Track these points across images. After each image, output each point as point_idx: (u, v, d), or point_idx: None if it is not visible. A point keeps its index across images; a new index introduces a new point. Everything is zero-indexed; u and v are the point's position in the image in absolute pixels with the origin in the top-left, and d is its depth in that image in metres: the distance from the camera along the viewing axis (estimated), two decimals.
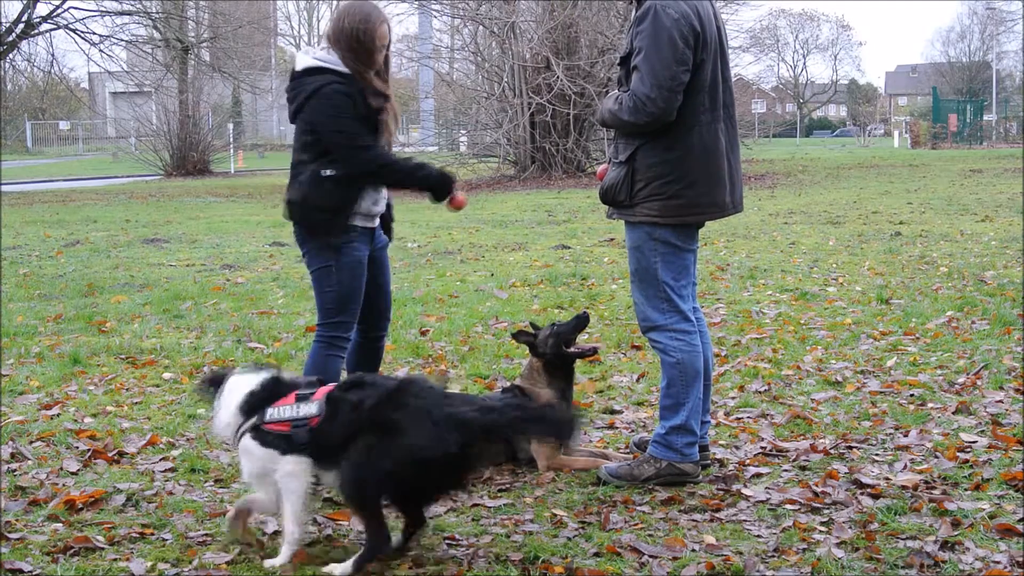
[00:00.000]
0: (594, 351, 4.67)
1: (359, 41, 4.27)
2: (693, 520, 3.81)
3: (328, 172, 4.25)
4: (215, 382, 3.78)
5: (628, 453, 4.56)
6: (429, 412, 3.37)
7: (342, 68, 4.28)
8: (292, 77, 4.38)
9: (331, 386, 3.64)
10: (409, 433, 3.33)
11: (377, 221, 4.49)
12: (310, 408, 3.53)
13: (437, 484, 3.49)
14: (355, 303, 4.40)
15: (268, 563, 3.48)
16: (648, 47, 3.93)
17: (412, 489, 3.46)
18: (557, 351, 4.45)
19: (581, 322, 4.54)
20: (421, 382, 3.57)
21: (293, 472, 3.51)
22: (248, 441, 3.57)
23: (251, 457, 3.58)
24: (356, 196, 4.30)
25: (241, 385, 3.69)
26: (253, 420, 3.58)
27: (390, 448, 3.34)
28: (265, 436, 3.54)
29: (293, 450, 3.51)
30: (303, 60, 4.36)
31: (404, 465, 3.33)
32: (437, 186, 4.38)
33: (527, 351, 4.64)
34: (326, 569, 3.40)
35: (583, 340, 5.02)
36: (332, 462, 3.47)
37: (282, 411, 3.56)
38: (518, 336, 4.62)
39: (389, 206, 4.62)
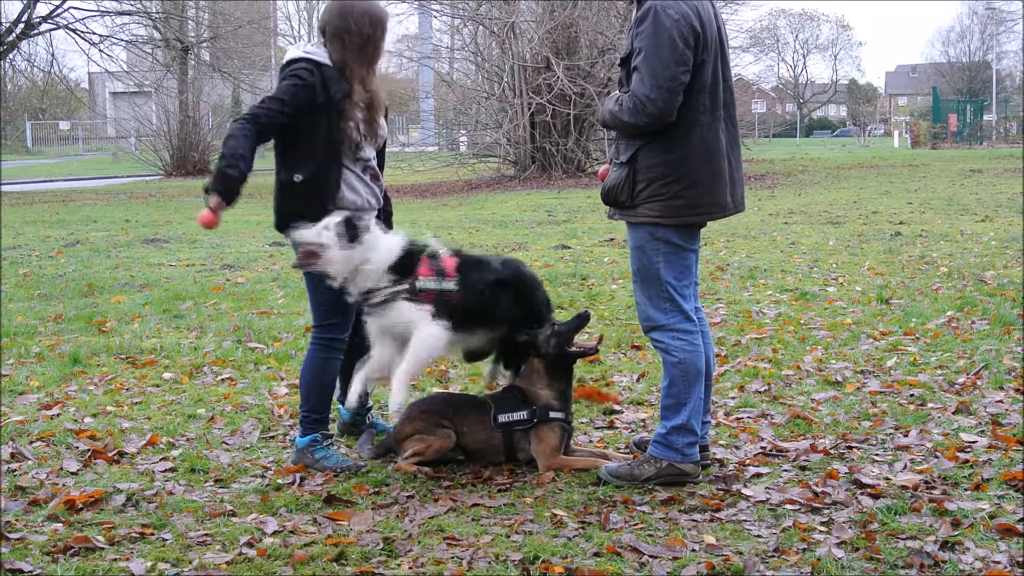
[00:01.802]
0: (595, 350, 4.67)
1: (367, 38, 4.27)
2: (693, 520, 3.81)
3: (298, 178, 4.24)
4: (353, 229, 4.13)
5: (628, 453, 4.56)
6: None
7: (322, 59, 4.26)
8: (280, 69, 4.39)
9: (455, 261, 4.23)
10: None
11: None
12: (451, 285, 4.17)
13: None
14: (350, 304, 4.40)
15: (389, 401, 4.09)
16: (648, 47, 3.93)
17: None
18: (558, 351, 4.45)
19: (582, 321, 4.54)
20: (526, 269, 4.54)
21: (428, 340, 4.10)
22: (406, 302, 4.12)
23: (399, 315, 4.12)
24: (328, 197, 4.28)
25: (389, 246, 4.20)
26: (407, 284, 4.14)
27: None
28: (419, 299, 4.11)
29: (441, 314, 4.12)
30: (291, 53, 4.36)
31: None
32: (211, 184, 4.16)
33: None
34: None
35: (583, 340, 5.01)
36: (467, 329, 4.22)
37: (430, 283, 4.16)
38: (517, 337, 4.61)
39: (387, 199, 4.63)
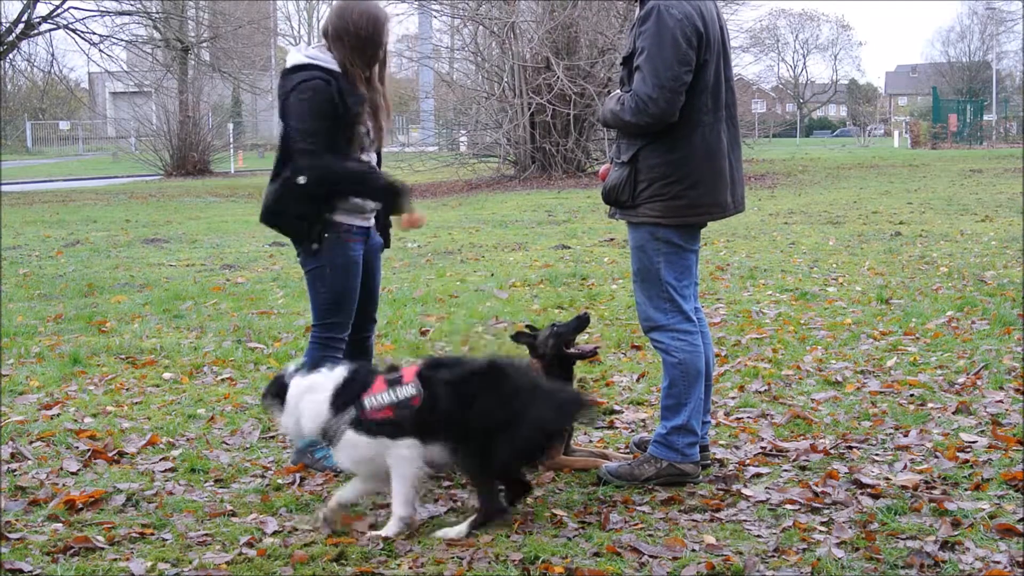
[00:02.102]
0: (594, 352, 4.66)
1: (365, 39, 4.26)
2: (693, 520, 3.80)
3: (302, 180, 4.21)
4: (278, 391, 3.85)
5: (628, 453, 4.55)
6: (542, 388, 3.76)
7: (331, 65, 4.24)
8: (281, 75, 4.35)
9: (415, 367, 3.79)
10: (536, 407, 3.65)
11: (372, 220, 4.47)
12: (408, 390, 3.68)
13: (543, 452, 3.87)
14: (350, 304, 4.40)
15: (373, 533, 3.66)
16: (651, 47, 3.92)
17: (531, 457, 3.78)
18: (557, 352, 4.44)
19: (581, 323, 4.53)
20: (508, 363, 3.84)
21: (406, 456, 3.67)
22: (352, 434, 3.68)
23: (356, 448, 3.69)
24: (328, 203, 4.26)
25: (318, 384, 3.78)
26: (351, 413, 3.69)
27: (522, 423, 3.61)
28: (369, 426, 3.66)
29: (401, 434, 3.65)
30: (293, 57, 4.33)
31: (535, 436, 3.67)
32: (383, 196, 4.29)
33: (526, 352, 4.63)
34: (439, 533, 3.60)
35: (583, 340, 5.01)
36: (436, 439, 3.67)
37: (381, 398, 3.70)
38: (517, 337, 4.61)
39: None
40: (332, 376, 3.82)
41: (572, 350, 4.47)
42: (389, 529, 3.68)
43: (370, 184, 4.28)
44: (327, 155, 4.17)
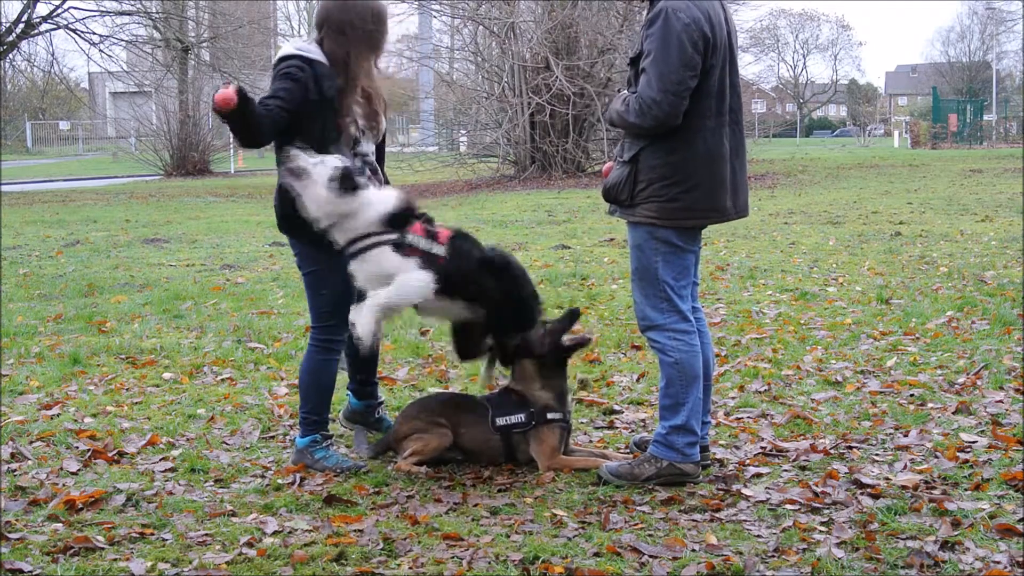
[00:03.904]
0: (589, 340, 4.66)
1: (371, 32, 4.29)
2: (693, 520, 3.81)
3: None
4: (351, 177, 4.10)
5: (628, 453, 4.56)
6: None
7: (311, 55, 4.23)
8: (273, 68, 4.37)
9: (450, 231, 4.24)
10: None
11: None
12: (439, 248, 4.15)
13: None
14: (349, 304, 4.40)
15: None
16: (657, 50, 3.92)
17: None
18: (555, 348, 4.45)
19: (573, 317, 4.56)
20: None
21: (410, 282, 4.07)
22: (390, 251, 4.09)
23: (389, 262, 4.08)
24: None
25: (384, 199, 4.17)
26: (395, 236, 4.11)
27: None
28: (404, 251, 4.09)
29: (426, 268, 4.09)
30: (284, 49, 4.35)
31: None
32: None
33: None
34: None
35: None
36: (448, 296, 4.16)
37: (419, 240, 4.13)
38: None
39: None
40: (394, 198, 4.20)
41: (567, 342, 4.48)
42: (362, 325, 4.05)
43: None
44: (266, 112, 4.08)
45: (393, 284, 4.05)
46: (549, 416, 4.39)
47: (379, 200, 4.15)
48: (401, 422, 4.51)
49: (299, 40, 4.41)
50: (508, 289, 4.31)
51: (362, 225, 4.11)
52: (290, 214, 4.27)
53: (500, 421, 4.39)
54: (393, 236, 4.10)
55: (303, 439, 4.49)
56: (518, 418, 4.39)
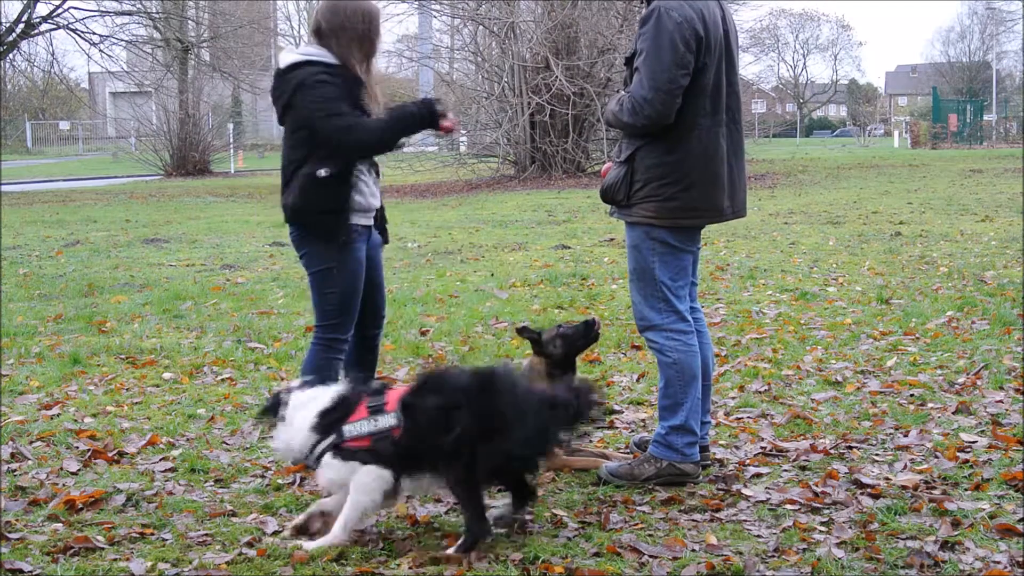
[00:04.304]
0: (593, 331, 4.52)
1: (363, 34, 4.30)
2: (693, 520, 3.80)
3: (323, 172, 4.22)
4: (274, 406, 3.81)
5: (628, 453, 4.55)
6: (525, 412, 3.50)
7: (330, 59, 4.27)
8: (276, 76, 4.36)
9: (399, 392, 3.66)
10: (514, 433, 3.46)
11: (372, 219, 4.49)
12: (388, 420, 3.57)
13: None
14: (355, 304, 4.40)
15: (307, 545, 3.55)
16: (649, 49, 3.93)
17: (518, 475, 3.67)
18: (566, 354, 4.44)
19: (589, 328, 4.48)
20: (501, 375, 3.64)
21: (365, 483, 3.56)
22: (329, 459, 3.61)
23: (334, 471, 3.61)
24: (351, 192, 4.30)
25: (308, 403, 3.71)
26: (331, 439, 3.61)
27: (497, 448, 3.46)
28: (345, 452, 3.58)
29: (377, 461, 3.56)
30: (288, 57, 4.35)
31: (510, 461, 3.53)
32: (423, 120, 4.30)
33: (527, 350, 4.63)
34: (439, 554, 3.47)
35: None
36: (417, 469, 3.58)
37: (360, 427, 3.60)
38: (522, 332, 4.60)
39: (381, 207, 4.63)
40: (318, 397, 3.73)
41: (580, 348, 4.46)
42: (318, 543, 3.56)
43: (408, 119, 4.29)
44: (361, 118, 4.22)
45: (350, 492, 3.60)
46: None
47: (304, 407, 3.72)
48: None
49: (299, 46, 4.41)
50: (495, 410, 3.51)
51: (300, 441, 3.69)
52: (312, 208, 4.27)
53: None
54: (329, 440, 3.62)
55: None
56: None
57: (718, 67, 4.07)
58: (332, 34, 4.28)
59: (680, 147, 4.04)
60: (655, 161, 4.06)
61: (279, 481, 4.30)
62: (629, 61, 4.11)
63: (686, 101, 3.98)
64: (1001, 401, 5.15)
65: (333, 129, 4.17)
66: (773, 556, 3.46)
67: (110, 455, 4.63)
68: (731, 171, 4.17)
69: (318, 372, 4.44)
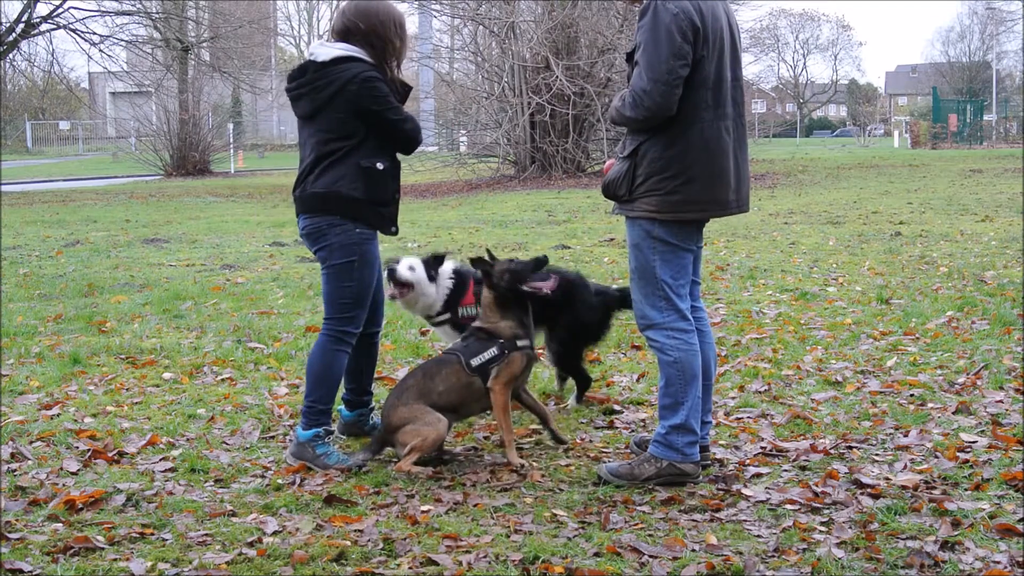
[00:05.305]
0: (548, 291, 4.57)
1: (393, 39, 4.45)
2: (693, 520, 3.80)
3: (379, 165, 4.38)
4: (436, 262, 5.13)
5: (624, 450, 4.56)
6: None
7: (371, 60, 4.42)
8: (312, 69, 4.40)
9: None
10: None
11: None
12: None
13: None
14: (369, 298, 4.54)
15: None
16: (647, 42, 3.94)
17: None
18: (511, 287, 4.51)
19: (539, 263, 4.59)
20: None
21: None
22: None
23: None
24: (396, 186, 4.51)
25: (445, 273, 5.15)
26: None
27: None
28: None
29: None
30: (327, 51, 4.40)
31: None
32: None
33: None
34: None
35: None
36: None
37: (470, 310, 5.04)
38: (476, 262, 4.64)
39: None
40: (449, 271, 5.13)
41: (526, 287, 4.52)
42: None
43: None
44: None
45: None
46: (519, 344, 4.48)
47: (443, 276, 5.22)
48: (388, 413, 4.48)
49: (333, 43, 4.45)
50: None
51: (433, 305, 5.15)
52: (370, 199, 4.38)
53: (474, 361, 4.45)
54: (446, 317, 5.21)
55: (306, 432, 4.48)
56: (491, 353, 4.45)
57: (720, 61, 4.07)
58: (365, 36, 4.41)
59: (682, 140, 4.04)
60: (657, 155, 4.05)
61: (279, 481, 4.30)
62: (630, 57, 4.11)
63: (687, 95, 3.98)
64: (1001, 401, 5.15)
65: (411, 127, 4.43)
66: (773, 556, 3.46)
67: (110, 455, 4.63)
68: (737, 164, 4.17)
69: (327, 365, 4.48)
